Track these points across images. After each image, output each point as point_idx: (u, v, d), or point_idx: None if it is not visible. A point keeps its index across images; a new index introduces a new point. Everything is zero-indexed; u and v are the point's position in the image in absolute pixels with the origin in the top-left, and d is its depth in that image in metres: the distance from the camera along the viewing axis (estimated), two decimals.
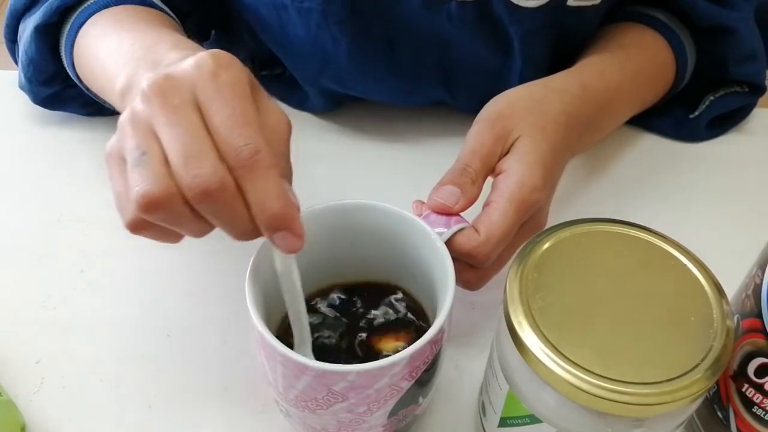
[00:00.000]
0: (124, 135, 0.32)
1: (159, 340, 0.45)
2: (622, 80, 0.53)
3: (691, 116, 0.60)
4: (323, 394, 0.33)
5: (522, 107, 0.45)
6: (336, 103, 0.62)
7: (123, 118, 0.32)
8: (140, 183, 0.30)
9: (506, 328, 0.31)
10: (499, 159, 0.43)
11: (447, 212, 0.41)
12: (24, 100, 0.58)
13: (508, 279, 0.32)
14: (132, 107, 0.32)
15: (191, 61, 0.32)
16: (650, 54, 0.57)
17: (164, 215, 0.31)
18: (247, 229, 0.31)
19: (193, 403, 0.42)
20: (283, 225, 0.31)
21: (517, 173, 0.41)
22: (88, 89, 0.53)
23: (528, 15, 0.51)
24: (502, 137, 0.43)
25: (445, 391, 0.43)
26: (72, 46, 0.50)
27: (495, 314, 0.34)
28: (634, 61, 0.55)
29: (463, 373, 0.43)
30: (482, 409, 0.38)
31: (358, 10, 0.51)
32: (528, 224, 0.43)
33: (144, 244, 0.50)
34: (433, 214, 0.41)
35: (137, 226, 0.32)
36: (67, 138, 0.59)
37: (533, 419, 0.32)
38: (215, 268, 0.49)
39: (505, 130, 0.44)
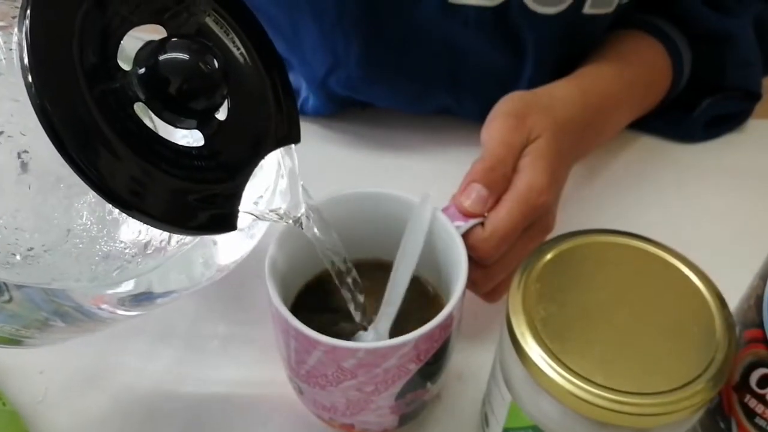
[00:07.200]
0: None
1: (162, 347, 0.45)
2: (619, 87, 0.54)
3: (689, 117, 0.60)
4: (333, 370, 0.34)
5: (537, 110, 0.46)
6: (339, 107, 0.62)
7: None
8: None
9: (509, 338, 0.32)
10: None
11: (476, 216, 0.41)
12: None
13: (511, 289, 0.33)
14: None
15: None
16: (647, 61, 0.58)
17: None
18: None
19: (198, 410, 0.42)
20: None
21: (528, 174, 0.42)
22: None
23: (545, 22, 0.52)
24: (526, 136, 0.44)
25: (448, 402, 0.43)
26: None
27: (497, 325, 0.34)
28: (631, 69, 0.56)
29: (465, 384, 0.43)
30: (485, 420, 0.38)
31: (373, 11, 0.52)
32: (536, 226, 0.43)
33: None
34: (452, 207, 0.41)
35: None
36: None
37: (536, 429, 0.32)
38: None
39: (527, 129, 0.44)
